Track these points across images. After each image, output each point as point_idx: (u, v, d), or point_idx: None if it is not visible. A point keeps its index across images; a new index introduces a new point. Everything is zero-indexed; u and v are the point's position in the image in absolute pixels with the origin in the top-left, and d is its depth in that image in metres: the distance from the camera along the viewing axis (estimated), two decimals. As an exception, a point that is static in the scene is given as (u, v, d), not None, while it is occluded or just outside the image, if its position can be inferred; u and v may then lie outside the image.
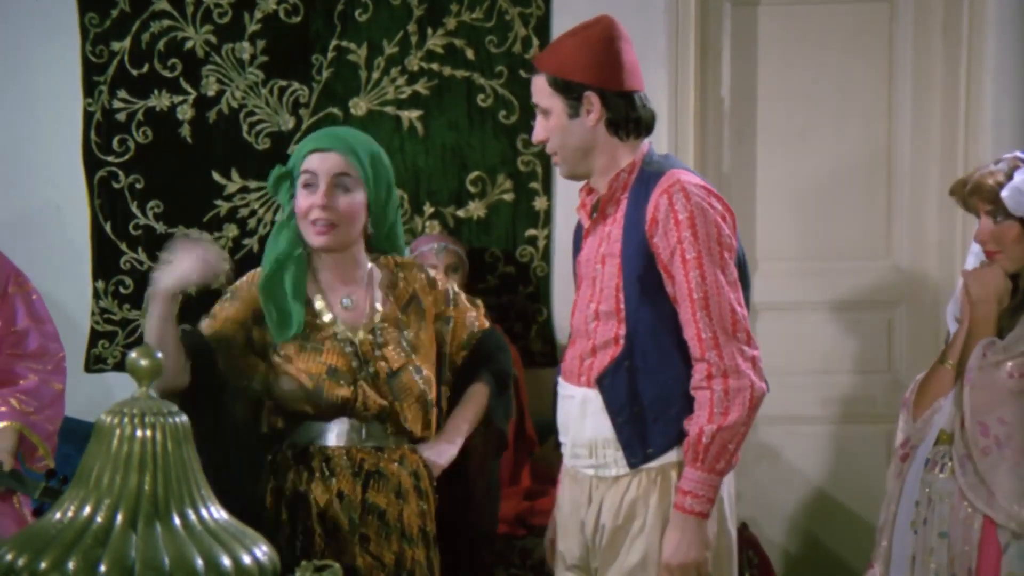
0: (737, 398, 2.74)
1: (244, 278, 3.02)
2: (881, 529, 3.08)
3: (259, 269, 2.97)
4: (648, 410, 2.81)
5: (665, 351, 2.82)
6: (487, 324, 3.12)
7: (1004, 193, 2.86)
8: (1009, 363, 2.81)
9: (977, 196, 2.93)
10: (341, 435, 2.91)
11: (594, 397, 2.85)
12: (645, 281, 2.81)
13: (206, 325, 2.98)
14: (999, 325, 2.93)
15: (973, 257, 3.11)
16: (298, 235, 2.92)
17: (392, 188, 3.00)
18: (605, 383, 2.83)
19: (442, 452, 3.00)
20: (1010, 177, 2.89)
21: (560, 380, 2.97)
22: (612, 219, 2.87)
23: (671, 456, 2.81)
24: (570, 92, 2.84)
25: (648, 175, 2.86)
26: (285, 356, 2.91)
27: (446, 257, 4.36)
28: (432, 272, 3.09)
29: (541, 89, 2.88)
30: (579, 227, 3.04)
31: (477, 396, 3.08)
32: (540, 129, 2.91)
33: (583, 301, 2.90)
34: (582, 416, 2.87)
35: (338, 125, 4.53)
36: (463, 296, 3.11)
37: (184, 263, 2.85)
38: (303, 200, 2.90)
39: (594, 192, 2.95)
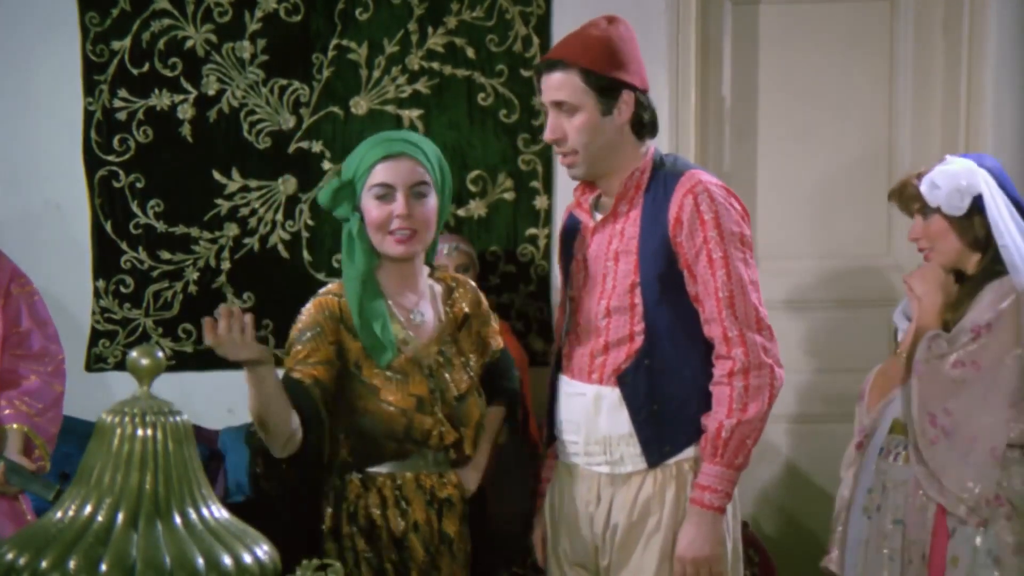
0: (757, 394, 2.79)
1: (311, 308, 2.81)
2: (837, 516, 3.16)
3: (324, 296, 2.81)
4: (667, 408, 2.84)
5: (683, 350, 2.85)
6: (501, 343, 3.03)
7: (922, 187, 2.93)
8: (953, 355, 2.87)
9: (906, 197, 3.00)
10: (408, 461, 2.79)
11: (608, 393, 2.86)
12: (665, 280, 2.83)
13: (299, 374, 2.72)
14: (943, 319, 3.01)
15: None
16: (370, 248, 2.77)
17: (451, 193, 2.88)
18: (627, 381, 2.84)
19: (471, 479, 2.90)
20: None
21: (563, 377, 2.97)
22: (625, 217, 2.87)
23: (687, 453, 2.85)
24: (607, 89, 2.82)
25: (664, 175, 2.88)
26: (371, 387, 2.76)
27: (457, 257, 4.35)
28: (475, 287, 2.99)
29: (570, 84, 2.82)
30: (571, 226, 3.03)
31: (495, 419, 3.00)
32: (557, 126, 2.84)
33: (592, 298, 2.90)
34: (596, 413, 2.87)
35: (338, 124, 4.54)
36: (492, 314, 3.01)
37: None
38: (377, 211, 2.74)
39: (590, 190, 2.95)
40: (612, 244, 2.88)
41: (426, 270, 2.88)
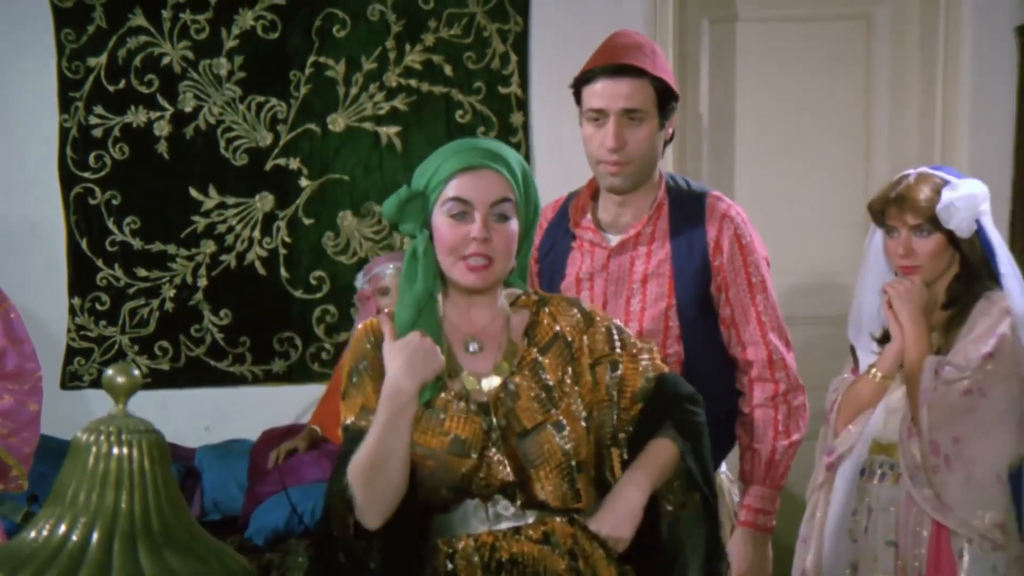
0: (798, 415, 2.88)
1: (357, 334, 2.41)
2: (805, 539, 3.13)
3: (370, 321, 2.40)
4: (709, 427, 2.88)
5: (716, 369, 2.89)
6: (665, 367, 2.45)
7: (940, 209, 2.92)
8: (964, 382, 2.87)
9: (909, 210, 2.97)
10: (464, 519, 2.29)
11: None
12: (702, 303, 2.85)
13: (364, 424, 2.29)
14: (933, 343, 3.02)
15: (872, 273, 3.16)
16: (436, 272, 2.34)
17: (539, 211, 2.43)
18: None
19: (619, 525, 2.28)
20: (937, 194, 2.95)
21: None
22: (649, 239, 2.86)
23: (719, 468, 2.95)
24: (669, 104, 2.81)
25: (684, 197, 2.89)
26: None
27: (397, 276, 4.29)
28: (588, 307, 2.43)
29: (643, 93, 2.77)
30: (556, 243, 2.97)
31: (656, 452, 2.35)
32: (621, 133, 2.76)
33: (617, 319, 2.85)
34: None
35: (316, 141, 4.53)
36: (631, 335, 2.45)
37: (421, 360, 2.24)
38: (450, 232, 2.29)
39: (583, 209, 2.92)
40: (637, 266, 2.86)
41: (505, 293, 2.42)
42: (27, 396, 3.48)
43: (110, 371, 2.34)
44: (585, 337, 2.38)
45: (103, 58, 4.49)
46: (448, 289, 2.37)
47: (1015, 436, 2.90)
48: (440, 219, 2.31)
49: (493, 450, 2.28)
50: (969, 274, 3.00)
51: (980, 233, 2.98)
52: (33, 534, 2.15)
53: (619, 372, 2.38)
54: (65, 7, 4.46)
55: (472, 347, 2.36)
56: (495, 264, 2.31)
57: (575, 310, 2.40)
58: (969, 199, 2.94)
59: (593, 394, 2.35)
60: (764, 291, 2.87)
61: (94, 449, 2.20)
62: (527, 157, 4.52)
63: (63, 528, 2.13)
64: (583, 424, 2.31)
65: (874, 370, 3.05)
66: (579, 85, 2.85)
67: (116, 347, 4.55)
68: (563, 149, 4.51)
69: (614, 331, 2.40)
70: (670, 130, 2.86)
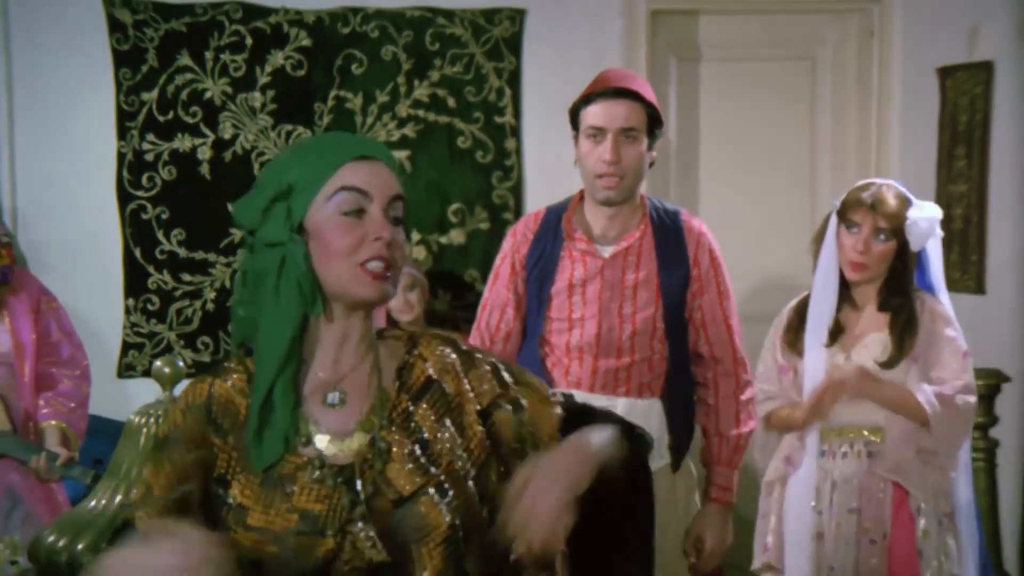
0: (752, 407, 2.96)
1: (178, 398, 1.73)
2: (764, 515, 3.10)
3: (195, 380, 1.72)
4: (683, 418, 2.95)
5: (688, 368, 2.95)
6: (549, 416, 1.76)
7: (908, 222, 2.92)
8: (959, 383, 2.90)
9: (881, 215, 2.92)
10: None
11: (639, 404, 2.88)
12: (680, 308, 2.91)
13: (141, 515, 1.66)
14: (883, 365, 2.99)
15: (828, 255, 3.07)
16: (314, 289, 1.64)
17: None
18: (667, 395, 2.91)
19: (526, 530, 1.58)
20: (902, 204, 2.94)
21: (580, 392, 2.87)
22: (637, 251, 2.88)
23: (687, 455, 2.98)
24: (655, 130, 2.85)
25: (664, 214, 2.93)
26: (240, 506, 1.62)
27: (403, 278, 4.05)
28: (465, 345, 1.76)
29: (638, 115, 2.80)
30: (544, 252, 2.94)
31: (578, 442, 1.68)
32: (617, 149, 2.77)
33: (611, 323, 2.87)
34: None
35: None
36: (516, 367, 1.80)
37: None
38: (348, 231, 1.62)
39: (571, 224, 2.92)
40: (628, 275, 2.87)
41: (372, 326, 1.74)
42: (80, 380, 3.55)
43: (158, 363, 2.40)
44: (467, 381, 1.72)
45: (155, 93, 4.54)
46: (319, 321, 1.67)
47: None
48: (328, 218, 1.62)
49: (360, 524, 1.61)
50: (896, 279, 3.00)
51: (921, 251, 2.99)
52: (92, 503, 2.22)
53: (526, 413, 1.73)
54: (123, 50, 4.52)
55: (332, 398, 1.68)
56: (394, 271, 1.66)
57: (448, 349, 1.74)
58: (932, 221, 2.94)
59: (484, 446, 1.70)
60: (729, 299, 2.94)
61: (145, 430, 2.27)
62: (519, 178, 4.57)
63: (119, 498, 2.20)
64: (471, 485, 1.66)
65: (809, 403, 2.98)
66: (577, 108, 2.87)
67: (164, 342, 4.60)
68: (551, 170, 4.55)
69: (500, 366, 1.75)
70: (654, 154, 2.89)
